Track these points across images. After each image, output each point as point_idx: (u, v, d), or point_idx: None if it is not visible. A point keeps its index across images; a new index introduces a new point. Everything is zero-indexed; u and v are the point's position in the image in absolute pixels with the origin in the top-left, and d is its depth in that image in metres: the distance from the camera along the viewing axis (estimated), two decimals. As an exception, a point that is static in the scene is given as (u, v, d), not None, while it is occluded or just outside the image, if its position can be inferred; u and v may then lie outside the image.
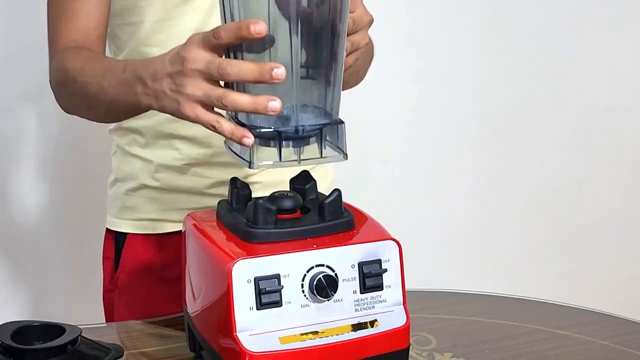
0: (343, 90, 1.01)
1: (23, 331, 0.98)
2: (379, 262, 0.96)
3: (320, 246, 0.94)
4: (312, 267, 0.93)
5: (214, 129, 0.93)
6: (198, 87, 0.92)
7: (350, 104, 1.38)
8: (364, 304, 0.96)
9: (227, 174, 1.07)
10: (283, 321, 0.92)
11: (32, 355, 0.95)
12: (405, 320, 0.97)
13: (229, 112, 0.96)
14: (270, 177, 1.31)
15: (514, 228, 2.39)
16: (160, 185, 1.32)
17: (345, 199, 1.00)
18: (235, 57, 0.93)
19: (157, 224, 1.33)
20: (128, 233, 1.35)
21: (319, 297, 0.93)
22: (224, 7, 0.94)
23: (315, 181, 1.04)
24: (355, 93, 1.30)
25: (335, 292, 0.94)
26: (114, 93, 1.05)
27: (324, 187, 1.09)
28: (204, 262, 0.99)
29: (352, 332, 0.94)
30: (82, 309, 1.52)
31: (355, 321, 0.95)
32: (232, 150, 0.98)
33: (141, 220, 1.34)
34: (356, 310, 0.95)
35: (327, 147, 0.97)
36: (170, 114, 0.97)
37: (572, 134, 2.39)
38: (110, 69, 1.08)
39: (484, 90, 2.28)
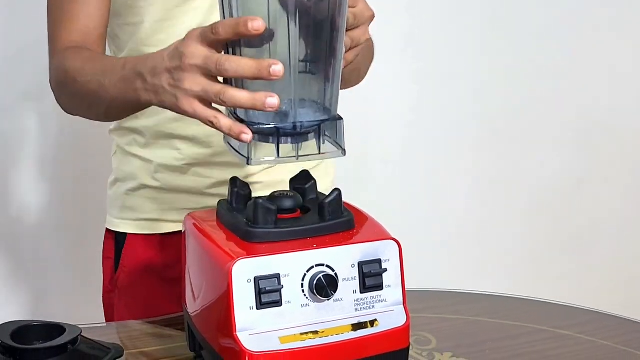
0: (344, 88, 1.01)
1: (23, 331, 0.98)
2: (379, 261, 0.96)
3: (320, 246, 0.94)
4: (312, 267, 0.93)
5: (212, 124, 0.93)
6: (196, 83, 0.92)
7: (351, 104, 1.38)
8: (364, 303, 0.96)
9: (228, 174, 1.07)
10: (283, 321, 0.92)
11: (32, 355, 0.95)
12: (405, 320, 0.97)
13: (228, 108, 0.96)
14: (270, 177, 1.31)
15: (514, 228, 2.39)
16: (161, 185, 1.32)
17: (345, 198, 1.00)
18: (234, 52, 0.93)
19: (158, 224, 1.33)
20: (128, 233, 1.35)
21: (319, 296, 0.93)
22: (222, 1, 0.94)
23: (315, 181, 1.04)
24: (355, 92, 1.30)
25: (335, 291, 0.94)
26: (114, 90, 1.05)
27: (324, 186, 1.09)
28: (204, 262, 0.99)
29: (352, 332, 0.94)
30: (82, 308, 1.52)
31: (355, 321, 0.95)
32: (231, 146, 0.98)
33: (141, 221, 1.34)
34: (356, 309, 0.95)
35: (326, 142, 0.97)
36: (169, 109, 0.97)
37: (572, 134, 2.39)
38: (110, 67, 1.08)
39: (484, 90, 2.28)
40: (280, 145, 0.94)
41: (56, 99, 1.24)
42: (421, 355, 1.11)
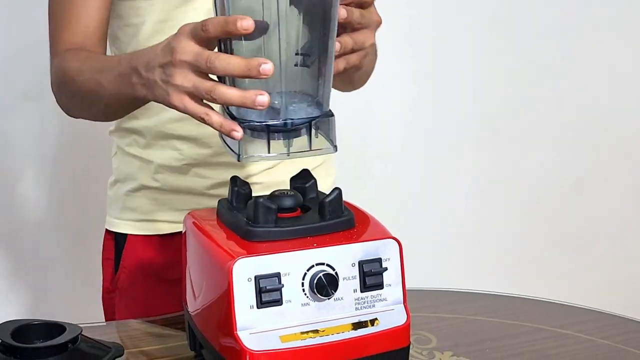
0: (347, 90, 1.01)
1: (23, 330, 0.98)
2: (379, 260, 0.96)
3: (320, 245, 0.94)
4: (313, 266, 0.93)
5: (203, 121, 0.94)
6: (187, 79, 0.93)
7: (351, 104, 1.38)
8: (364, 302, 0.96)
9: (228, 175, 1.07)
10: (283, 320, 0.92)
11: (33, 354, 0.95)
12: (405, 319, 0.97)
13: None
14: (271, 177, 1.31)
15: (514, 228, 2.39)
16: (161, 186, 1.32)
17: (345, 197, 1.00)
18: (226, 46, 0.94)
19: (158, 225, 1.33)
20: (128, 234, 1.35)
21: (319, 295, 0.93)
22: None
23: (315, 180, 1.04)
24: (355, 92, 1.30)
25: (335, 290, 0.94)
26: (111, 87, 1.06)
27: (325, 187, 1.09)
28: (204, 261, 0.99)
29: (353, 331, 0.94)
30: (82, 308, 1.53)
31: (355, 320, 0.95)
32: (224, 142, 0.99)
33: (141, 221, 1.34)
34: (356, 308, 0.95)
35: (319, 136, 0.97)
36: (163, 104, 0.97)
37: (572, 134, 2.39)
38: (107, 65, 1.09)
39: (484, 90, 2.28)
40: (272, 142, 0.94)
41: (57, 101, 1.24)
42: (421, 354, 1.11)
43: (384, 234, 0.97)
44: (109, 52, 1.31)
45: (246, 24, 0.88)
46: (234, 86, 0.93)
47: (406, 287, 0.98)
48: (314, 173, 1.06)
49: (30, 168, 1.99)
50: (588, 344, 1.16)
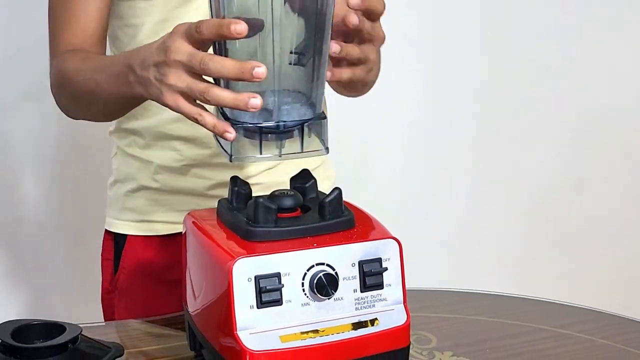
0: (351, 96, 1.02)
1: (23, 330, 0.98)
2: (379, 260, 0.96)
3: (320, 245, 0.94)
4: (313, 266, 0.93)
5: (196, 121, 0.95)
6: (180, 79, 0.94)
7: (351, 104, 1.38)
8: (364, 302, 0.96)
9: (227, 175, 1.07)
10: (283, 320, 0.92)
11: (33, 354, 0.95)
12: (405, 319, 0.97)
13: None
14: (271, 178, 1.31)
15: (514, 228, 2.39)
16: (160, 187, 1.32)
17: (345, 198, 1.00)
18: (222, 43, 0.94)
19: (157, 226, 1.33)
20: (128, 234, 1.35)
21: (319, 295, 0.93)
22: None
23: (315, 180, 1.04)
24: (355, 92, 1.30)
25: (335, 290, 0.94)
26: (109, 87, 1.06)
27: (324, 189, 1.09)
28: (204, 261, 0.99)
29: (353, 331, 0.94)
30: (82, 308, 1.53)
31: (355, 320, 0.95)
32: (218, 142, 0.99)
33: (141, 222, 1.34)
34: (356, 308, 0.95)
35: (312, 136, 0.97)
36: (157, 102, 0.98)
37: (572, 134, 2.39)
38: (104, 64, 1.10)
39: (484, 90, 2.28)
40: (264, 143, 0.95)
41: (56, 103, 1.25)
42: (421, 354, 1.11)
43: (384, 234, 0.98)
44: (109, 52, 1.31)
45: (240, 28, 0.89)
46: (228, 87, 0.94)
47: (406, 287, 0.98)
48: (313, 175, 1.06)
49: (30, 168, 1.99)
50: (588, 344, 1.16)
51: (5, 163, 1.96)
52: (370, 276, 0.95)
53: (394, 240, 0.97)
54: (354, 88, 1.16)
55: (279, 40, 0.92)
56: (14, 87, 1.91)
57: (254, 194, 1.02)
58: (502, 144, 2.34)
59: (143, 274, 1.34)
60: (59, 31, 1.23)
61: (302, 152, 0.97)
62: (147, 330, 1.17)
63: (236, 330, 0.91)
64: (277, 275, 0.92)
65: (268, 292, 0.91)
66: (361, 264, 0.95)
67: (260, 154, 0.95)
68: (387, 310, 0.96)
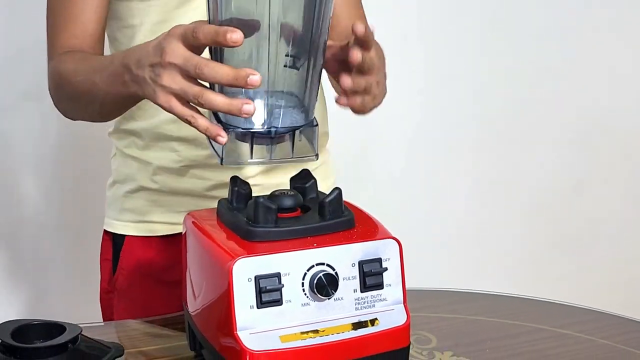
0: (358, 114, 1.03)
1: (23, 330, 0.98)
2: (379, 260, 0.96)
3: (320, 245, 0.94)
4: (313, 266, 0.93)
5: (189, 123, 0.96)
6: (175, 81, 0.94)
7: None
8: (365, 302, 0.96)
9: (226, 176, 1.08)
10: (283, 320, 0.92)
11: (33, 354, 0.95)
12: (405, 319, 0.97)
13: None
14: (270, 179, 1.31)
15: (514, 229, 2.39)
16: (159, 188, 1.31)
17: (345, 198, 1.00)
18: (216, 48, 0.95)
19: (156, 226, 1.33)
20: (126, 235, 1.35)
21: (319, 295, 0.93)
22: None
23: (315, 180, 1.04)
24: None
25: (335, 290, 0.94)
26: (105, 86, 1.07)
27: (324, 190, 1.09)
28: (205, 261, 0.99)
29: (353, 331, 0.94)
30: (82, 308, 1.52)
31: (355, 320, 0.95)
32: (210, 143, 1.00)
33: (140, 222, 1.34)
34: (356, 308, 0.95)
35: (302, 139, 0.98)
36: (151, 102, 0.98)
37: (572, 135, 2.39)
38: (101, 64, 1.10)
39: (484, 91, 2.28)
40: (256, 147, 0.96)
41: (54, 104, 1.25)
42: (421, 354, 1.11)
43: (384, 234, 0.98)
44: (108, 53, 1.31)
45: (235, 36, 0.90)
46: (222, 90, 0.94)
47: (406, 287, 0.98)
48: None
49: (30, 168, 1.99)
50: (588, 344, 1.16)
51: (5, 163, 1.96)
52: (370, 276, 0.95)
53: (394, 241, 0.97)
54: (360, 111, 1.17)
55: (275, 42, 0.93)
56: (14, 87, 1.91)
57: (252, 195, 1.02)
58: (502, 144, 2.34)
59: (141, 274, 1.34)
60: (57, 32, 1.23)
61: (292, 157, 0.98)
62: (146, 330, 1.17)
63: (236, 330, 0.91)
64: (277, 275, 0.92)
65: (268, 292, 0.91)
66: (361, 264, 0.95)
67: (251, 157, 0.97)
68: (387, 310, 0.96)
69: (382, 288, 0.96)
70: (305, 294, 0.93)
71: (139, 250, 1.34)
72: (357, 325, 0.95)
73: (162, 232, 1.33)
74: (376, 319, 0.96)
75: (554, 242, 2.43)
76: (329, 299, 0.94)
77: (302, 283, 0.93)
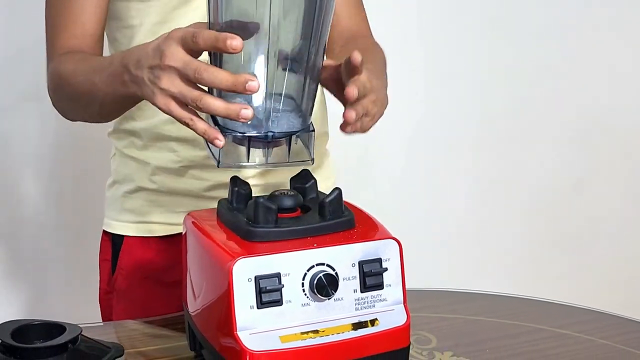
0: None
1: (23, 330, 0.98)
2: (379, 261, 0.96)
3: (320, 245, 0.94)
4: (313, 266, 0.93)
5: (187, 125, 0.96)
6: (174, 84, 0.95)
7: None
8: (365, 302, 0.96)
9: (225, 177, 1.08)
10: (283, 320, 0.92)
11: (33, 354, 0.95)
12: (405, 319, 0.97)
13: None
14: (270, 179, 1.31)
15: (514, 228, 2.39)
16: (158, 188, 1.31)
17: (345, 198, 1.00)
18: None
19: (155, 227, 1.33)
20: (125, 235, 1.35)
21: (319, 295, 0.93)
22: None
23: (315, 180, 1.04)
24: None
25: (335, 291, 0.94)
26: (105, 87, 1.07)
27: (325, 190, 1.09)
28: (205, 261, 0.99)
29: (353, 331, 0.94)
30: (82, 308, 1.52)
31: (355, 320, 0.95)
32: (207, 145, 1.01)
33: (139, 223, 1.34)
34: (356, 309, 0.95)
35: (299, 144, 0.99)
36: (150, 102, 0.99)
37: (572, 134, 2.39)
38: (100, 65, 1.10)
39: (484, 90, 2.28)
40: (252, 150, 0.97)
41: (54, 105, 1.25)
42: (421, 354, 1.11)
43: (384, 234, 0.98)
44: (107, 53, 1.31)
45: (235, 43, 0.91)
46: (220, 95, 0.95)
47: (406, 287, 0.98)
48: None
49: (29, 168, 1.99)
50: (588, 344, 1.16)
51: (4, 163, 1.96)
52: (371, 276, 0.95)
53: (394, 241, 0.97)
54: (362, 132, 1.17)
55: (275, 45, 0.93)
56: (14, 87, 1.91)
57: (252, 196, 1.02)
58: (502, 143, 2.34)
59: (140, 275, 1.34)
60: (57, 33, 1.23)
61: (288, 161, 0.99)
62: (146, 330, 1.17)
63: (236, 331, 0.91)
64: (277, 276, 0.92)
65: (268, 293, 0.91)
66: (361, 264, 0.95)
67: (248, 160, 0.97)
68: (387, 311, 0.96)
69: (382, 288, 0.96)
70: (305, 294, 0.93)
71: (138, 251, 1.34)
72: (357, 326, 0.95)
73: (161, 233, 1.32)
74: (376, 319, 0.96)
75: (554, 241, 2.43)
76: (329, 299, 0.94)
77: (302, 283, 0.93)
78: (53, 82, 1.21)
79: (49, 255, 2.03)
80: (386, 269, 0.96)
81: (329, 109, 1.36)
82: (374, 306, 0.96)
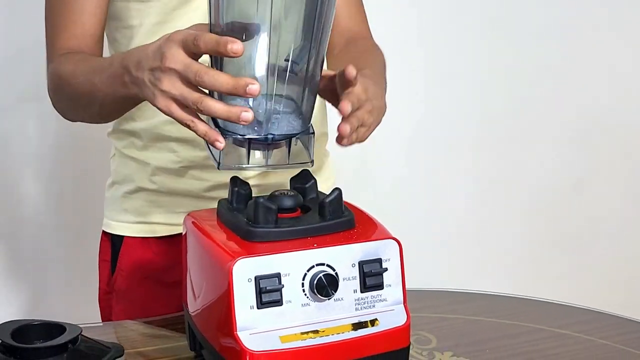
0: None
1: (23, 330, 0.98)
2: (379, 261, 0.96)
3: (320, 245, 0.94)
4: (313, 266, 0.93)
5: (188, 127, 0.97)
6: (175, 86, 0.95)
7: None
8: (365, 303, 0.96)
9: (225, 177, 1.08)
10: (283, 320, 0.92)
11: (33, 354, 0.95)
12: (405, 320, 0.97)
13: None
14: (270, 179, 1.31)
15: (514, 228, 2.39)
16: (158, 188, 1.31)
17: (345, 198, 1.00)
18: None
19: (154, 227, 1.33)
20: (125, 236, 1.35)
21: (319, 296, 0.93)
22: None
23: (315, 180, 1.04)
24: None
25: (335, 291, 0.94)
26: (105, 87, 1.07)
27: (325, 190, 1.09)
28: (205, 261, 0.99)
29: (353, 331, 0.94)
30: (82, 308, 1.52)
31: (355, 320, 0.95)
32: (208, 147, 1.01)
33: (138, 223, 1.34)
34: (356, 309, 0.95)
35: (298, 145, 0.99)
36: (151, 104, 0.99)
37: (572, 134, 2.39)
38: (100, 66, 1.10)
39: (484, 90, 2.28)
40: (252, 152, 0.98)
41: (54, 106, 1.25)
42: (421, 354, 1.11)
43: (384, 235, 0.98)
44: (107, 54, 1.31)
45: (236, 47, 0.91)
46: (221, 98, 0.95)
47: (406, 287, 0.98)
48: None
49: (29, 169, 1.99)
50: (588, 344, 1.16)
51: (4, 163, 1.96)
52: (371, 277, 0.95)
53: (394, 241, 0.97)
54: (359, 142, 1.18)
55: (276, 46, 0.93)
56: (14, 87, 1.91)
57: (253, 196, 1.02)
58: (502, 144, 2.34)
59: (140, 275, 1.34)
60: (57, 33, 1.23)
61: (288, 163, 0.99)
62: (146, 331, 1.17)
63: (236, 331, 0.91)
64: (277, 276, 0.92)
65: (268, 293, 0.91)
66: (361, 264, 0.95)
67: (248, 162, 0.98)
68: (387, 311, 0.96)
69: (382, 288, 0.96)
70: (305, 295, 0.93)
71: (137, 251, 1.34)
72: (357, 326, 0.95)
73: (160, 233, 1.32)
74: (376, 319, 0.96)
75: (554, 241, 2.43)
76: (329, 299, 0.94)
77: (302, 283, 0.93)
78: (53, 82, 1.21)
79: (49, 255, 2.02)
80: (386, 269, 0.96)
81: (328, 109, 1.36)
82: (374, 306, 0.96)
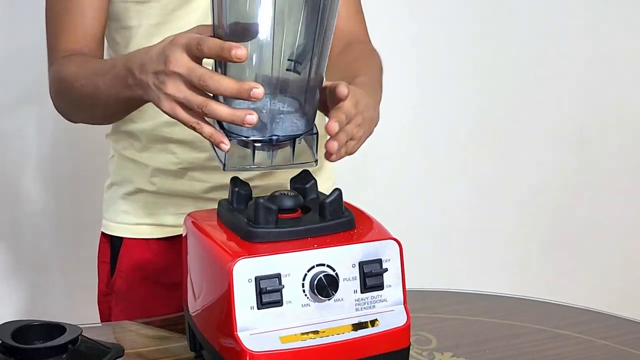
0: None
1: (23, 330, 0.98)
2: (379, 261, 0.96)
3: (320, 245, 0.94)
4: (313, 267, 0.93)
5: (193, 129, 0.97)
6: (179, 90, 0.95)
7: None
8: (365, 303, 0.96)
9: (224, 178, 1.08)
10: (284, 320, 0.92)
11: (33, 355, 0.95)
12: (405, 320, 0.97)
13: None
14: (270, 180, 1.31)
15: (514, 228, 2.39)
16: (157, 190, 1.31)
17: (345, 198, 1.00)
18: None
19: (154, 229, 1.33)
20: (124, 237, 1.35)
21: (319, 296, 0.93)
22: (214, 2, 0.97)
23: (315, 180, 1.04)
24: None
25: (335, 291, 0.94)
26: (108, 90, 1.07)
27: (325, 190, 1.10)
28: (205, 262, 0.99)
29: (353, 332, 0.94)
30: (82, 308, 1.52)
31: (355, 320, 0.95)
32: (213, 148, 1.01)
33: (137, 225, 1.34)
34: (357, 309, 0.95)
35: (302, 143, 1.00)
36: (155, 106, 0.99)
37: (571, 134, 2.39)
38: (103, 68, 1.10)
39: (483, 90, 2.28)
40: (257, 153, 0.98)
41: (55, 107, 1.25)
42: (421, 355, 1.11)
43: (384, 235, 0.98)
44: (107, 54, 1.31)
45: (240, 53, 0.91)
46: (225, 101, 0.96)
47: (406, 287, 0.98)
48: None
49: (28, 169, 1.98)
50: (587, 344, 1.16)
51: (4, 163, 1.96)
52: (371, 277, 0.95)
53: (394, 241, 0.97)
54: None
55: (279, 46, 0.94)
56: (14, 88, 1.91)
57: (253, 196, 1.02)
58: (501, 144, 2.34)
59: (139, 276, 1.33)
60: (57, 35, 1.23)
61: (293, 163, 1.00)
62: (146, 331, 1.17)
63: (236, 331, 0.91)
64: (278, 276, 0.92)
65: (268, 293, 0.91)
66: (361, 264, 0.95)
67: (253, 163, 0.98)
68: (388, 311, 0.96)
69: (383, 289, 0.96)
70: (305, 295, 0.93)
71: (136, 253, 1.34)
72: (358, 326, 0.95)
73: (159, 235, 1.32)
74: (376, 319, 0.96)
75: (554, 241, 2.43)
76: (329, 299, 0.94)
77: (303, 284, 0.93)
78: (55, 85, 1.21)
79: (48, 256, 2.02)
80: (386, 270, 0.96)
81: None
82: (374, 307, 0.96)
